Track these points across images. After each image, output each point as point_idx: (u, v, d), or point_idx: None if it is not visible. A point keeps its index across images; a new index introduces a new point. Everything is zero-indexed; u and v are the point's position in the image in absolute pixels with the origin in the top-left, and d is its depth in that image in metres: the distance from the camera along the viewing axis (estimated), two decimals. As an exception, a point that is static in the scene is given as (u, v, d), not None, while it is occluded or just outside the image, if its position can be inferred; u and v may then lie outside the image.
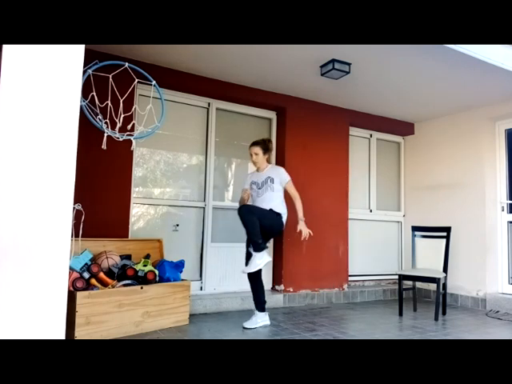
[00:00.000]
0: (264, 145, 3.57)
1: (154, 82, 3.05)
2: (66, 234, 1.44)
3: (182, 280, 3.41)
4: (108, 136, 2.88)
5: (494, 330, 3.50)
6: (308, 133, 4.64)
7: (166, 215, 4.05)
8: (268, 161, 3.63)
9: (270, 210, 3.40)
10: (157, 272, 3.25)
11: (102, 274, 2.99)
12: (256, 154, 3.55)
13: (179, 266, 3.43)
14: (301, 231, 3.43)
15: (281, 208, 3.48)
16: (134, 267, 3.16)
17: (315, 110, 4.70)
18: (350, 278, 4.98)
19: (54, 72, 1.45)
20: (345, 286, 4.74)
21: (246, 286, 3.51)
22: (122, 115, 3.09)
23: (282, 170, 3.59)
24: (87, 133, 2.76)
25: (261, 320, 3.34)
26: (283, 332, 3.20)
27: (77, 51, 1.51)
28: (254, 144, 3.60)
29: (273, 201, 3.46)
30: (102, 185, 3.47)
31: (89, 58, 2.43)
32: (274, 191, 3.48)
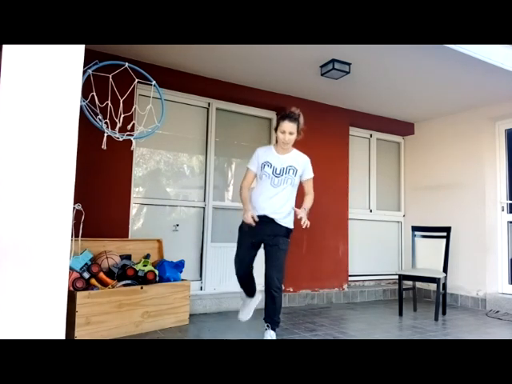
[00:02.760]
0: (300, 123, 2.77)
1: (154, 82, 3.04)
2: (66, 233, 1.44)
3: (182, 280, 3.41)
4: (108, 136, 2.87)
5: (494, 330, 3.50)
6: (308, 133, 4.58)
7: (166, 215, 4.05)
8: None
9: (283, 229, 2.71)
10: (157, 272, 3.24)
11: (102, 274, 2.99)
12: (291, 134, 2.72)
13: (179, 265, 3.44)
14: (301, 218, 2.65)
15: (292, 219, 2.80)
16: (134, 267, 3.16)
17: (315, 110, 4.70)
18: (350, 278, 4.98)
19: (54, 72, 1.45)
20: (345, 286, 4.74)
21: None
22: (122, 115, 3.08)
23: (308, 160, 2.87)
24: (87, 133, 2.75)
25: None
26: (283, 332, 3.20)
27: (77, 51, 1.50)
28: (291, 119, 2.72)
29: (288, 203, 2.74)
30: (102, 185, 3.47)
31: (89, 58, 2.43)
32: (294, 186, 2.79)
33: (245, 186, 2.85)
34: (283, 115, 2.75)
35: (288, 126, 2.70)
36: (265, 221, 2.71)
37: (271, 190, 2.71)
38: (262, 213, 2.72)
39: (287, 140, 2.73)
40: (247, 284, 2.89)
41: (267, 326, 2.79)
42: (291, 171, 2.75)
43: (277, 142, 2.83)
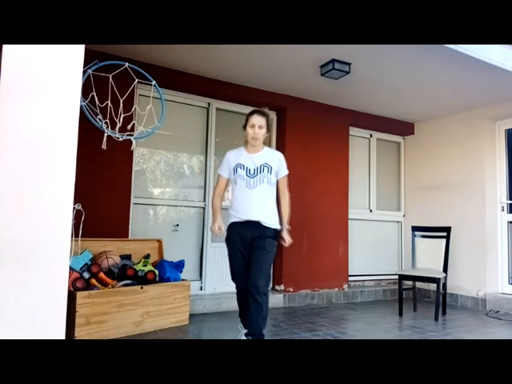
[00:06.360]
0: (268, 119, 2.72)
1: (154, 82, 3.04)
2: (66, 234, 1.44)
3: (182, 280, 3.41)
4: (108, 136, 2.87)
5: (494, 330, 3.50)
6: (308, 133, 4.64)
7: (166, 215, 4.05)
8: (263, 141, 2.78)
9: (270, 230, 2.62)
10: (157, 272, 3.25)
11: (102, 274, 2.99)
12: (260, 128, 2.64)
13: (179, 265, 3.44)
14: (284, 240, 2.72)
15: (277, 218, 2.71)
16: (134, 267, 3.16)
17: (315, 110, 4.70)
18: (350, 278, 4.98)
19: (54, 72, 1.45)
20: (345, 286, 4.74)
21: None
22: (122, 115, 3.08)
23: (283, 157, 2.78)
24: (87, 133, 2.76)
25: None
26: (283, 332, 3.20)
27: (77, 51, 1.51)
28: (260, 113, 2.68)
29: (269, 203, 2.66)
30: (102, 185, 3.47)
31: (89, 58, 2.43)
32: (271, 185, 2.67)
33: (216, 193, 2.90)
34: (251, 111, 2.73)
35: (257, 120, 2.64)
36: (250, 225, 2.64)
37: (248, 192, 2.63)
38: (245, 218, 2.65)
39: (257, 133, 2.63)
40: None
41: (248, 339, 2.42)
42: (266, 169, 2.64)
43: (246, 142, 2.74)
